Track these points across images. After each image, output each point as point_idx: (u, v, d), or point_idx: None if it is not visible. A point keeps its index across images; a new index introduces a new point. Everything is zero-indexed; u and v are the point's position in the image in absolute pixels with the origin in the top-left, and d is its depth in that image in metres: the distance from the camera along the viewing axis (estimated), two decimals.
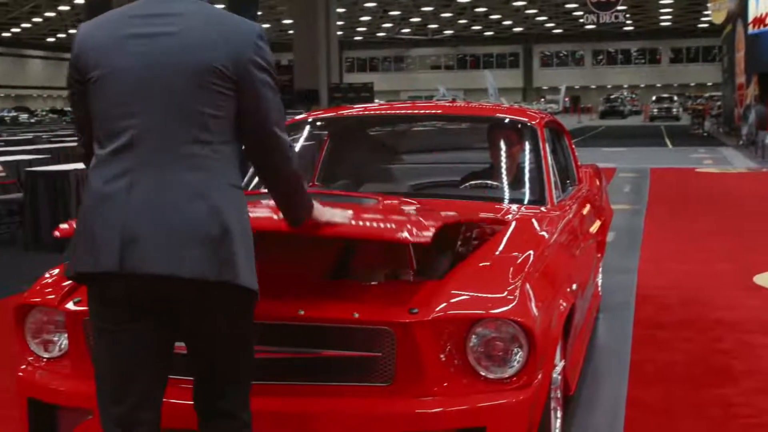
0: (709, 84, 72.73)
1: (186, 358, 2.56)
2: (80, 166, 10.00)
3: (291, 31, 44.44)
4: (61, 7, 56.15)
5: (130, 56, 2.39)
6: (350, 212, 2.85)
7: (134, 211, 2.34)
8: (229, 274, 2.36)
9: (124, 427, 2.43)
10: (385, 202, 3.53)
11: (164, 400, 2.51)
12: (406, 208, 3.50)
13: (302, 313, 2.83)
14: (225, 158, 2.44)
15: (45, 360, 3.17)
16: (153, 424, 2.49)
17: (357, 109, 5.56)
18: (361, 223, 2.93)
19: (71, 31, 66.18)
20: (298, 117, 5.19)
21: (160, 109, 2.38)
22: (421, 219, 3.04)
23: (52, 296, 3.11)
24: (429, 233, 2.82)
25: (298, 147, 4.94)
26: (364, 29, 71.86)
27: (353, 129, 5.56)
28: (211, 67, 2.37)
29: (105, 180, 2.39)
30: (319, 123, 5.32)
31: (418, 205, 3.58)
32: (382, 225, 3.05)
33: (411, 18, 66.53)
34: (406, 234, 2.77)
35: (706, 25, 63.36)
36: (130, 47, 2.40)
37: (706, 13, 51.42)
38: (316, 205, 2.68)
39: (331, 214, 2.72)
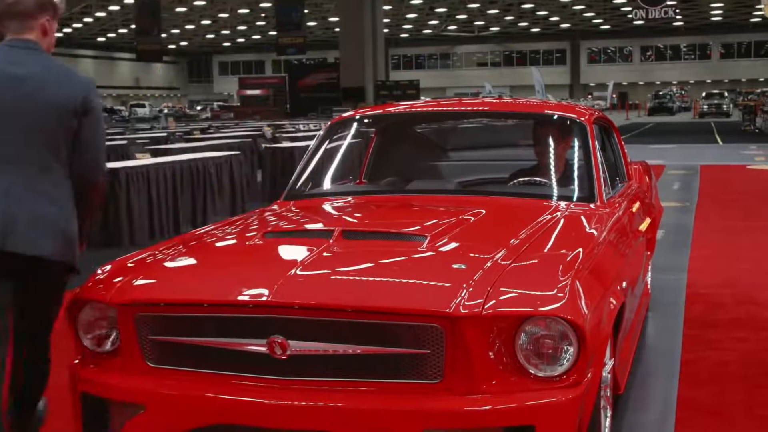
0: (761, 79, 71.63)
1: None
2: (130, 163, 10.15)
3: (337, 29, 44.58)
4: (112, 7, 56.92)
5: None
6: None
7: None
8: None
9: None
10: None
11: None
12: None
13: (350, 310, 2.84)
14: None
15: (97, 355, 3.21)
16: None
17: (404, 107, 5.55)
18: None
19: (121, 30, 67.18)
20: (345, 114, 5.21)
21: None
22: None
23: (104, 292, 3.14)
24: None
25: (345, 144, 4.99)
26: (410, 26, 71.83)
27: (400, 126, 5.56)
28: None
29: None
30: (366, 120, 5.33)
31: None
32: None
33: (457, 15, 66.39)
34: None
35: (758, 20, 62.44)
36: None
37: (758, 7, 50.62)
38: None
39: None
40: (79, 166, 3.36)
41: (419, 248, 3.29)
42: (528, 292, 2.90)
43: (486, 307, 2.79)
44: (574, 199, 4.23)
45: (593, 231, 3.81)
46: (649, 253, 5.51)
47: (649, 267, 5.75)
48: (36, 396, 3.64)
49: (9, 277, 3.26)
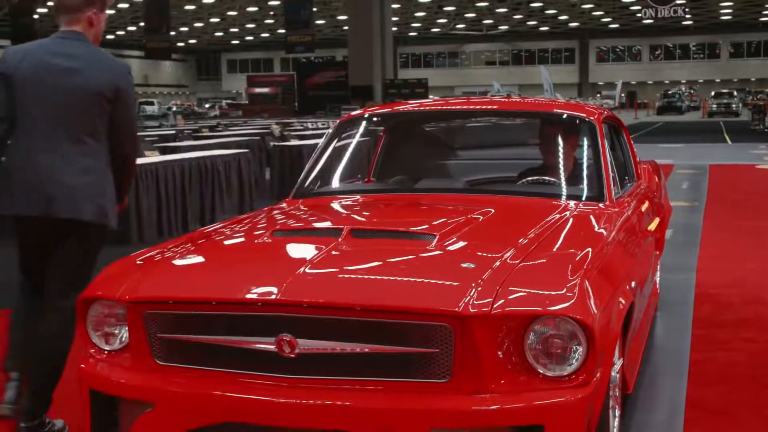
0: None
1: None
2: (139, 161, 10.14)
3: (346, 27, 44.57)
4: (121, 5, 57.00)
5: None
6: None
7: None
8: None
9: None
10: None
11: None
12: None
13: (359, 309, 2.84)
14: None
15: (106, 352, 3.23)
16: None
17: (412, 105, 5.55)
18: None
19: (130, 28, 67.25)
20: (353, 113, 5.21)
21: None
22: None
23: (114, 290, 3.15)
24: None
25: (354, 142, 4.99)
26: (418, 25, 71.78)
27: (409, 125, 5.55)
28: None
29: None
30: (375, 119, 5.33)
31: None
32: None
33: (466, 13, 66.31)
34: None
35: (767, 19, 62.13)
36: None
37: None
38: None
39: None
40: (114, 143, 3.88)
41: (428, 247, 3.29)
42: (537, 291, 2.89)
43: (495, 306, 2.79)
44: (583, 199, 4.22)
45: (602, 230, 3.80)
46: (657, 252, 5.50)
47: (658, 267, 5.74)
48: (55, 366, 3.79)
49: (51, 238, 3.81)
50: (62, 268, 3.84)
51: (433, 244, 3.31)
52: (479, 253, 3.31)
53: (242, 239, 3.78)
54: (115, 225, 3.91)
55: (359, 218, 4.15)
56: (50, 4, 56.31)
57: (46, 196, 3.70)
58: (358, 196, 4.53)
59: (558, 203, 4.15)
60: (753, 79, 76.14)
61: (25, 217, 3.79)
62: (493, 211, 3.93)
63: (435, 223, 3.64)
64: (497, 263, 3.07)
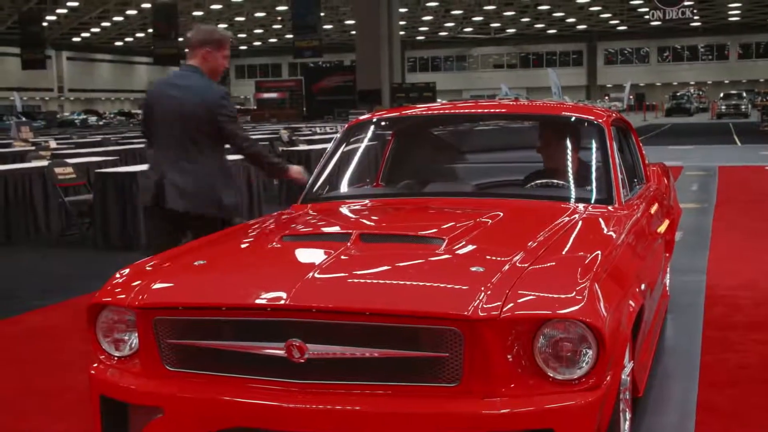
0: None
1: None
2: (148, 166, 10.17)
3: (353, 32, 44.62)
4: (129, 12, 57.19)
5: None
6: None
7: None
8: None
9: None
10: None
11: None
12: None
13: (368, 314, 2.83)
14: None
15: (116, 358, 3.23)
16: None
17: (420, 109, 5.55)
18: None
19: (138, 34, 67.45)
20: (362, 117, 5.21)
21: None
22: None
23: (123, 296, 3.16)
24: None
25: (362, 147, 5.00)
26: (426, 29, 71.84)
27: (417, 129, 5.55)
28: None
29: None
30: (383, 123, 5.33)
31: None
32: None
33: (473, 17, 66.34)
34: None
35: None
36: None
37: None
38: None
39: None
40: (235, 146, 4.96)
41: (437, 251, 3.29)
42: (546, 294, 2.88)
43: (504, 310, 2.79)
44: (592, 201, 4.21)
45: (611, 233, 3.79)
46: (667, 254, 5.48)
47: (668, 269, 5.72)
48: None
49: (180, 227, 4.94)
50: None
51: (442, 248, 3.30)
52: (488, 257, 3.31)
53: (251, 245, 3.78)
54: (231, 218, 4.83)
55: (368, 223, 4.15)
56: (59, 11, 56.59)
57: (161, 192, 4.82)
58: (366, 201, 4.53)
59: (567, 206, 4.14)
60: (762, 80, 75.89)
61: (151, 207, 4.96)
62: (501, 214, 3.92)
63: (444, 227, 3.63)
64: (506, 267, 3.06)
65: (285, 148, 15.43)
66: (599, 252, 3.33)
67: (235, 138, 4.91)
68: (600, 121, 4.61)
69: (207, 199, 4.82)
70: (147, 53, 64.74)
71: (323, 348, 2.86)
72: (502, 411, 2.75)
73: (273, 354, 2.90)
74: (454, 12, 63.67)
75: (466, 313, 2.76)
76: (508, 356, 2.80)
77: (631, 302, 3.24)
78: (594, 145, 4.48)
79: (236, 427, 2.90)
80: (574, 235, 3.64)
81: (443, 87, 61.76)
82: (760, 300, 6.27)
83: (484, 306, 2.78)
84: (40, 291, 7.38)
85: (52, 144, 16.56)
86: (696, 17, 55.16)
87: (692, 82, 78.62)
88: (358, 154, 4.98)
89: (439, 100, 36.21)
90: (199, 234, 4.57)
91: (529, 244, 3.37)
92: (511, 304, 2.81)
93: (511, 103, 6.77)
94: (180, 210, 4.79)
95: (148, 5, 49.93)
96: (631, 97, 68.81)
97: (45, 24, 53.17)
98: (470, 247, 3.37)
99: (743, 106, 50.51)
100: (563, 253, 3.38)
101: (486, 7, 61.14)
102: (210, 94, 4.80)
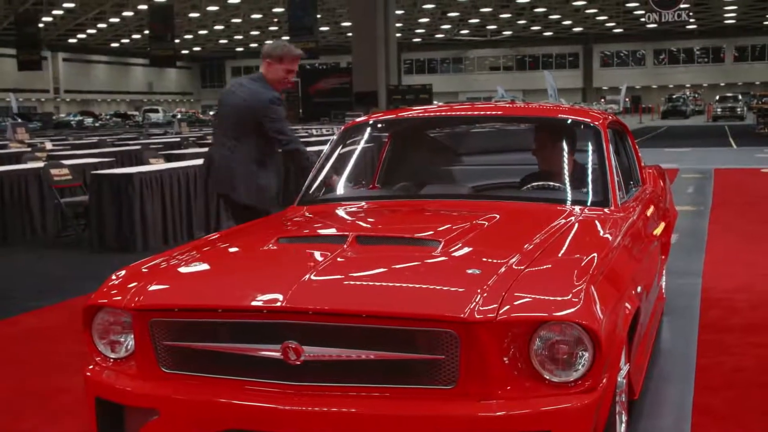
0: None
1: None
2: (144, 168, 10.17)
3: (350, 34, 44.62)
4: (125, 13, 57.16)
5: None
6: None
7: None
8: None
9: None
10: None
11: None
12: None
13: (364, 316, 2.83)
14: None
15: (112, 360, 3.23)
16: None
17: (417, 111, 5.55)
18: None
19: (135, 36, 67.39)
20: (358, 119, 5.21)
21: None
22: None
23: (119, 298, 3.16)
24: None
25: (358, 149, 5.00)
26: (422, 31, 71.87)
27: (413, 131, 5.56)
28: None
29: None
30: (379, 125, 5.33)
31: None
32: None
33: (469, 19, 66.40)
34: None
35: None
36: None
37: None
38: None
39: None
40: (278, 144, 5.72)
41: (433, 253, 3.29)
42: (543, 297, 2.89)
43: (501, 312, 2.79)
44: (589, 204, 4.21)
45: (607, 235, 3.79)
46: (663, 257, 5.49)
47: (664, 271, 5.73)
48: None
49: (234, 211, 5.83)
50: None
51: (439, 250, 3.31)
52: (485, 259, 3.31)
53: (248, 246, 3.78)
54: (266, 210, 5.47)
55: (364, 225, 4.15)
56: (55, 13, 56.54)
57: (221, 179, 5.73)
58: (363, 203, 4.53)
59: (563, 208, 4.14)
60: (757, 83, 76.04)
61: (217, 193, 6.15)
62: (498, 216, 3.93)
63: (440, 229, 3.63)
64: (503, 269, 3.07)
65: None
66: (595, 254, 3.33)
67: (276, 135, 5.64)
68: (596, 123, 4.61)
69: (226, 183, 5.68)
70: (143, 55, 64.72)
71: (319, 350, 2.86)
72: (499, 413, 2.75)
73: (269, 356, 2.90)
74: (450, 14, 63.72)
75: (462, 315, 2.76)
76: (505, 358, 2.80)
77: (627, 305, 3.24)
78: (590, 148, 4.48)
79: (232, 429, 2.90)
80: (570, 238, 3.64)
81: (439, 89, 61.81)
82: (756, 303, 6.28)
83: (481, 308, 2.79)
84: (35, 292, 7.37)
85: (48, 145, 16.56)
86: (692, 20, 55.26)
87: (688, 85, 78.75)
88: (355, 156, 4.98)
89: (435, 103, 36.21)
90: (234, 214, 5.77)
91: (526, 246, 3.37)
92: (507, 307, 2.81)
93: (507, 105, 6.77)
94: (209, 190, 6.00)
95: (144, 7, 49.90)
96: (627, 99, 68.90)
97: (41, 25, 53.10)
98: (466, 250, 3.38)
99: (739, 109, 50.61)
100: (559, 255, 3.39)
101: (482, 10, 61.20)
102: (261, 98, 5.61)
